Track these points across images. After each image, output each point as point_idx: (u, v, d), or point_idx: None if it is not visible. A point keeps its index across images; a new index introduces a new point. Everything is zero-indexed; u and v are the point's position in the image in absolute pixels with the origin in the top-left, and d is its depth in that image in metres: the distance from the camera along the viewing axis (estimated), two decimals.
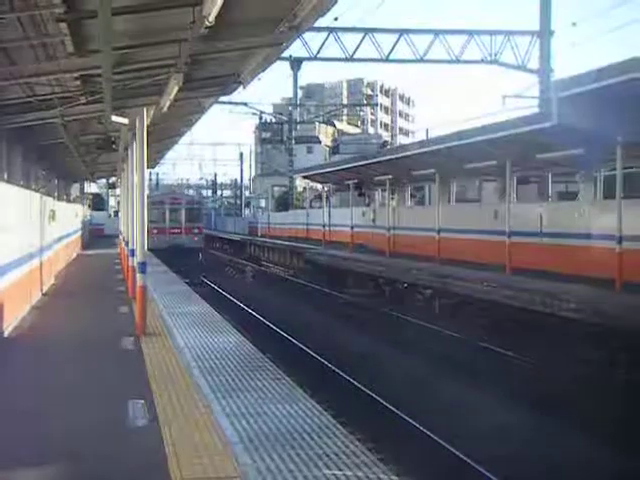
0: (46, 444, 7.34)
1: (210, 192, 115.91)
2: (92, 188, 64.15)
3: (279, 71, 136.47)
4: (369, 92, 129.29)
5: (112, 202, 67.62)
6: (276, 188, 72.42)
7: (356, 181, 36.03)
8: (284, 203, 64.71)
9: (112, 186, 58.04)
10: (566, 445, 10.65)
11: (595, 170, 20.92)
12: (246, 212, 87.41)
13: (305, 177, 47.92)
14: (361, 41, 41.56)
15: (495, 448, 10.31)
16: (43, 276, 19.57)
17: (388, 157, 30.16)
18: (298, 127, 67.24)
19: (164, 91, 13.44)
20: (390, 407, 12.37)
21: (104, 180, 59.14)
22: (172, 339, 12.85)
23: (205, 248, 48.38)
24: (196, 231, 44.73)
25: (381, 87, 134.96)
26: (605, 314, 14.10)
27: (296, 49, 44.00)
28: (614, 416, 11.14)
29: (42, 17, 10.50)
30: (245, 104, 57.49)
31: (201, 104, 18.88)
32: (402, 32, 41.85)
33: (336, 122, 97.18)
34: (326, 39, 41.63)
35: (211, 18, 8.65)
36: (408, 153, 27.21)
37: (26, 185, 22.72)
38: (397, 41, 41.66)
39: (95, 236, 54.63)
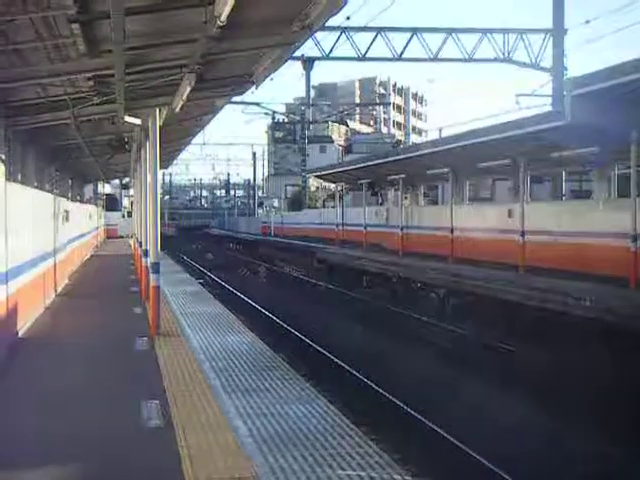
0: (59, 446, 7.35)
1: (223, 192, 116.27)
2: (105, 189, 64.34)
3: (291, 71, 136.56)
4: (382, 91, 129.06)
5: (125, 202, 67.85)
6: (289, 188, 72.54)
7: (369, 180, 35.97)
8: (297, 203, 64.82)
9: (125, 187, 58.26)
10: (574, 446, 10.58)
11: (609, 168, 20.80)
12: (259, 212, 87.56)
13: (318, 177, 47.86)
14: (373, 40, 41.45)
15: (508, 448, 10.27)
16: (57, 276, 19.63)
17: (401, 156, 30.09)
18: (311, 127, 67.31)
19: (177, 91, 13.45)
20: (404, 407, 12.34)
21: (117, 181, 59.37)
22: (186, 339, 12.87)
23: (210, 246, 67.51)
24: (173, 226, 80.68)
25: (394, 86, 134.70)
26: (619, 313, 14.00)
27: (308, 49, 43.81)
28: (625, 414, 11.07)
29: (55, 18, 10.52)
30: (258, 104, 57.57)
31: (213, 104, 18.89)
32: (415, 31, 41.71)
33: (349, 121, 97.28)
34: (338, 38, 41.53)
35: (223, 18, 8.64)
36: (421, 152, 27.14)
37: (40, 186, 22.80)
38: (410, 40, 41.53)
39: (109, 237, 54.91)
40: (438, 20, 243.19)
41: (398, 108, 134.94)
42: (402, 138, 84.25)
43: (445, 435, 10.83)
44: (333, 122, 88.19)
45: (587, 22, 41.97)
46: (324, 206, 57.57)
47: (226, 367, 10.50)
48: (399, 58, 42.33)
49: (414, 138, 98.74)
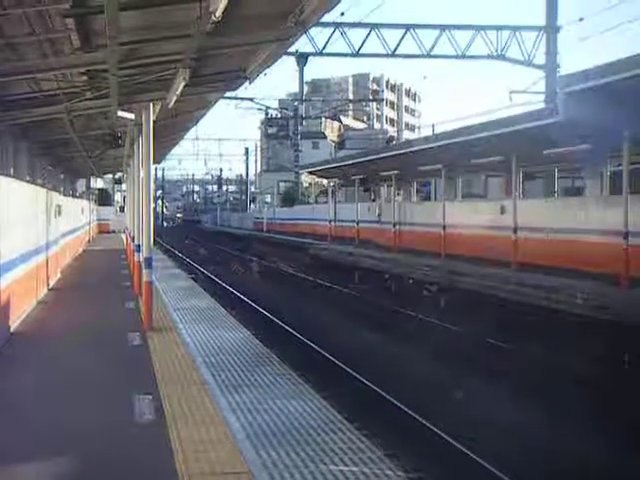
0: (49, 440, 7.35)
1: (215, 187, 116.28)
2: (98, 183, 64.25)
3: (285, 66, 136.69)
4: (375, 87, 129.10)
5: (118, 197, 67.73)
6: (282, 184, 72.55)
7: (362, 177, 36.00)
8: (290, 199, 64.86)
9: (118, 181, 58.12)
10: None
11: (601, 165, 20.87)
12: (252, 207, 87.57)
13: (311, 173, 47.95)
14: (367, 36, 41.55)
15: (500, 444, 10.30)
16: (49, 271, 19.59)
17: (394, 153, 30.14)
18: (304, 122, 67.36)
19: (170, 86, 13.44)
20: (397, 404, 12.35)
21: (110, 175, 59.25)
22: (178, 334, 12.87)
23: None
24: None
25: (387, 82, 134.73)
26: (611, 310, 14.06)
27: (302, 44, 43.96)
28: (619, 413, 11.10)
29: (48, 12, 10.51)
30: (251, 99, 57.63)
31: (207, 99, 18.87)
32: (408, 27, 41.80)
33: (342, 117, 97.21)
34: (332, 34, 41.66)
35: (217, 13, 8.63)
36: (414, 149, 27.19)
37: (32, 180, 22.75)
38: (403, 36, 41.65)
39: (101, 231, 54.75)
40: (431, 17, 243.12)
41: (391, 104, 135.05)
42: (395, 134, 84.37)
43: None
44: (326, 118, 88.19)
45: (581, 19, 42.06)
46: (317, 202, 57.56)
47: (219, 362, 10.51)
48: (393, 54, 42.45)
49: (407, 134, 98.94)
